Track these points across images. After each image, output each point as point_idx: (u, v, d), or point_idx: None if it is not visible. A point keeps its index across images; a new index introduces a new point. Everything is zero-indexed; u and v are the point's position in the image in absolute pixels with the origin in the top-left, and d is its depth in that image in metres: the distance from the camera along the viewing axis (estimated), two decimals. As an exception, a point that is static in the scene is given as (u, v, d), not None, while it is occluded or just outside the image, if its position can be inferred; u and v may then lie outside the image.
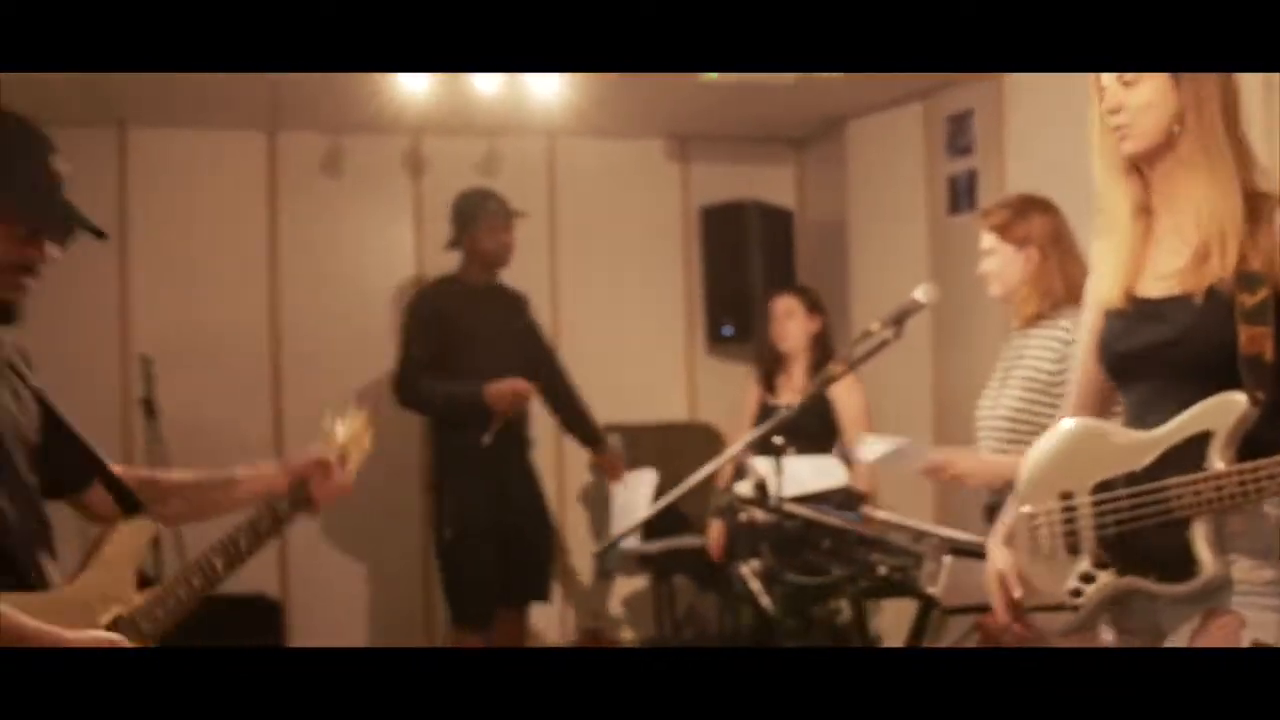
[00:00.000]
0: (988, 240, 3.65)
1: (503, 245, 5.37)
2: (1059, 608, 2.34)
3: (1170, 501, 2.19)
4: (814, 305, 5.04)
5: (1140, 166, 2.35)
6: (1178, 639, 2.23)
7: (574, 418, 5.62)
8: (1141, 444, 2.26)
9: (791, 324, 4.99)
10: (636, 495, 5.30)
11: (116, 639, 2.06)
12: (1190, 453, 2.19)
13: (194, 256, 6.00)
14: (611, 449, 5.66)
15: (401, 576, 6.23)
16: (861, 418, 4.83)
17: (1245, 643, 2.16)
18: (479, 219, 5.36)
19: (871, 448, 3.82)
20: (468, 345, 5.17)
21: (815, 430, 4.64)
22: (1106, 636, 2.38)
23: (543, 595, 5.48)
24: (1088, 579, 2.30)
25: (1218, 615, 2.19)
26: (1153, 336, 2.29)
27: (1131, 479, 2.25)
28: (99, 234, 2.13)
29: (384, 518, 6.20)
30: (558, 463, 5.79)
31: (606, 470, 5.65)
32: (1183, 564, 2.19)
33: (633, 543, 5.45)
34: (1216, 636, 2.18)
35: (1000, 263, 3.62)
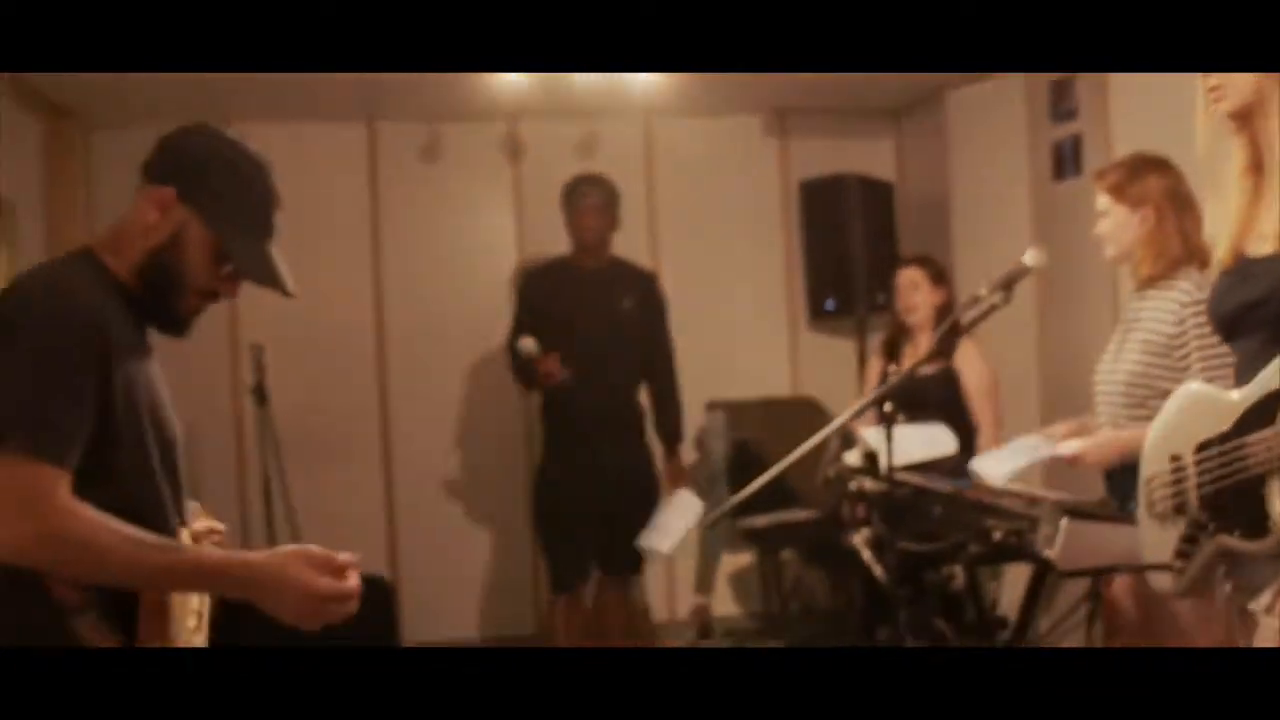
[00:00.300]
0: (1102, 202, 3.54)
1: (587, 229, 5.43)
2: (1166, 568, 2.32)
3: (1248, 459, 2.17)
4: (939, 276, 5.01)
5: (1245, 125, 2.31)
6: (1264, 599, 2.21)
7: (661, 411, 5.59)
8: (1233, 404, 2.24)
9: (917, 295, 4.95)
10: (675, 517, 5.28)
11: (291, 560, 2.04)
12: (1266, 410, 2.16)
13: (298, 246, 6.08)
14: (679, 460, 5.63)
15: (510, 553, 6.29)
16: (987, 388, 4.80)
17: None
18: (569, 204, 5.46)
19: (995, 468, 3.75)
20: (561, 326, 5.24)
21: (941, 401, 4.61)
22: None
23: (635, 568, 5.49)
24: (1191, 540, 2.28)
25: None
26: (1245, 296, 2.27)
27: (1224, 439, 2.23)
28: (287, 293, 2.19)
29: (492, 495, 6.28)
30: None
31: (669, 477, 5.56)
32: (1261, 521, 2.16)
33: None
34: None
35: (1115, 224, 3.51)
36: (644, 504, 5.42)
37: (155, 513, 2.07)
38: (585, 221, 5.43)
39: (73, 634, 1.96)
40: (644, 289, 5.55)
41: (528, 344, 5.14)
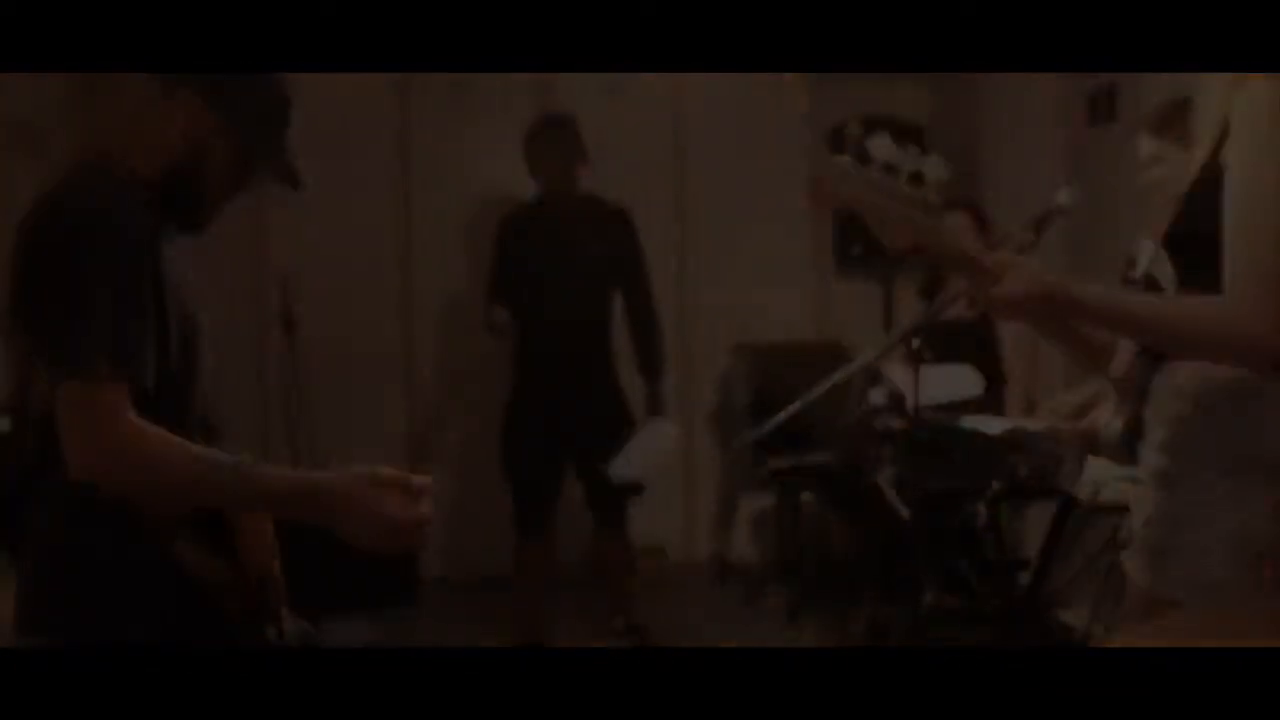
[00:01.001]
0: (1151, 147, 3.40)
1: (541, 171, 5.25)
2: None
3: None
4: (985, 223, 4.97)
5: None
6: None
7: (639, 346, 5.30)
8: None
9: (963, 239, 4.90)
10: (643, 442, 5.13)
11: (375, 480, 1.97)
12: None
13: (329, 181, 6.06)
14: (659, 394, 5.32)
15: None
16: (1020, 336, 4.76)
17: None
18: (526, 150, 5.31)
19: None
20: (527, 268, 5.17)
21: (976, 347, 4.57)
22: None
23: (621, 511, 5.24)
24: None
25: None
26: None
27: None
28: (296, 185, 2.20)
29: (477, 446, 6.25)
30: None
31: (647, 410, 5.26)
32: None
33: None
34: None
35: (1169, 169, 3.41)
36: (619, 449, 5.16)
37: (200, 416, 2.09)
38: (539, 165, 5.25)
39: (173, 558, 1.96)
40: (612, 225, 5.27)
41: (500, 314, 5.13)
